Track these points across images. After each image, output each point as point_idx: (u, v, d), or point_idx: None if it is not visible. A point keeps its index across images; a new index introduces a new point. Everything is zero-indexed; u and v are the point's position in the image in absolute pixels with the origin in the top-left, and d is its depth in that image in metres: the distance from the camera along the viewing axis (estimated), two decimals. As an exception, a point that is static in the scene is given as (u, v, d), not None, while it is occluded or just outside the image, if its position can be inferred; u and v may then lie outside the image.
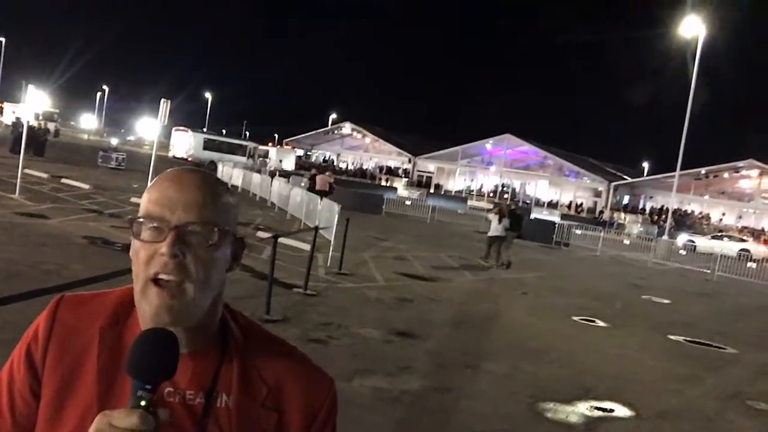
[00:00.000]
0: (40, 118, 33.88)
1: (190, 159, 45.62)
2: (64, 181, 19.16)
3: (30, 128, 20.23)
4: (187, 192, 1.02)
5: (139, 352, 0.93)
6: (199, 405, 1.04)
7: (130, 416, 0.86)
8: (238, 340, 1.10)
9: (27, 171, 16.54)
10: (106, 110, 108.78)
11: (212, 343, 1.08)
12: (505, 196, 59.56)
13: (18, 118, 31.90)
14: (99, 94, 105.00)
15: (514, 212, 18.06)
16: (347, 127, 71.34)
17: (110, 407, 0.98)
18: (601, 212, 52.43)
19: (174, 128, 47.59)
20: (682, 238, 34.06)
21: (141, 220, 1.02)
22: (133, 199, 16.70)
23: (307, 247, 10.70)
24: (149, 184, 1.08)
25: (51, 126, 41.64)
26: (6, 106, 57.21)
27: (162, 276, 0.99)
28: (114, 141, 40.12)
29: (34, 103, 17.54)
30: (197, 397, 1.04)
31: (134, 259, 1.03)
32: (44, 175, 19.50)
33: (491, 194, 59.15)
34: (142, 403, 0.89)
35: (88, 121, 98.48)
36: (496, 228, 16.36)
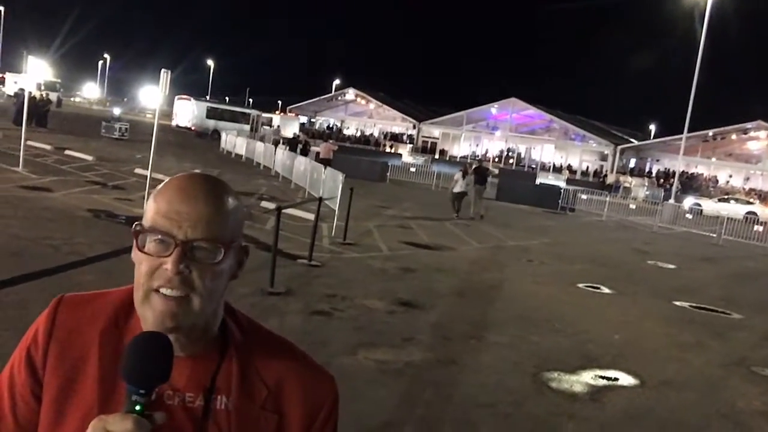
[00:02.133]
0: (42, 88, 33.67)
1: (193, 128, 45.43)
2: (67, 152, 19.14)
3: (32, 99, 20.14)
4: (195, 205, 1.00)
5: (131, 357, 0.93)
6: (198, 407, 1.04)
7: (124, 421, 0.88)
8: (237, 341, 1.09)
9: (30, 143, 16.50)
10: (109, 79, 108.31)
11: (212, 344, 1.08)
12: (511, 161, 59.32)
13: (21, 89, 31.72)
14: (101, 63, 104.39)
15: (479, 169, 20.43)
16: (351, 93, 70.70)
17: (111, 412, 0.98)
18: (605, 176, 52.03)
19: (176, 97, 47.24)
20: (689, 202, 33.85)
21: (145, 230, 1.00)
22: (138, 170, 16.68)
23: (311, 216, 10.68)
24: (159, 187, 1.05)
25: (53, 96, 41.42)
26: (8, 76, 56.92)
27: (165, 291, 0.99)
28: (117, 111, 39.79)
29: (35, 74, 17.42)
30: (197, 400, 1.05)
31: (137, 267, 1.02)
32: (47, 147, 19.48)
33: (496, 159, 58.76)
34: (137, 407, 0.90)
35: (91, 91, 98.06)
36: (460, 185, 18.26)
